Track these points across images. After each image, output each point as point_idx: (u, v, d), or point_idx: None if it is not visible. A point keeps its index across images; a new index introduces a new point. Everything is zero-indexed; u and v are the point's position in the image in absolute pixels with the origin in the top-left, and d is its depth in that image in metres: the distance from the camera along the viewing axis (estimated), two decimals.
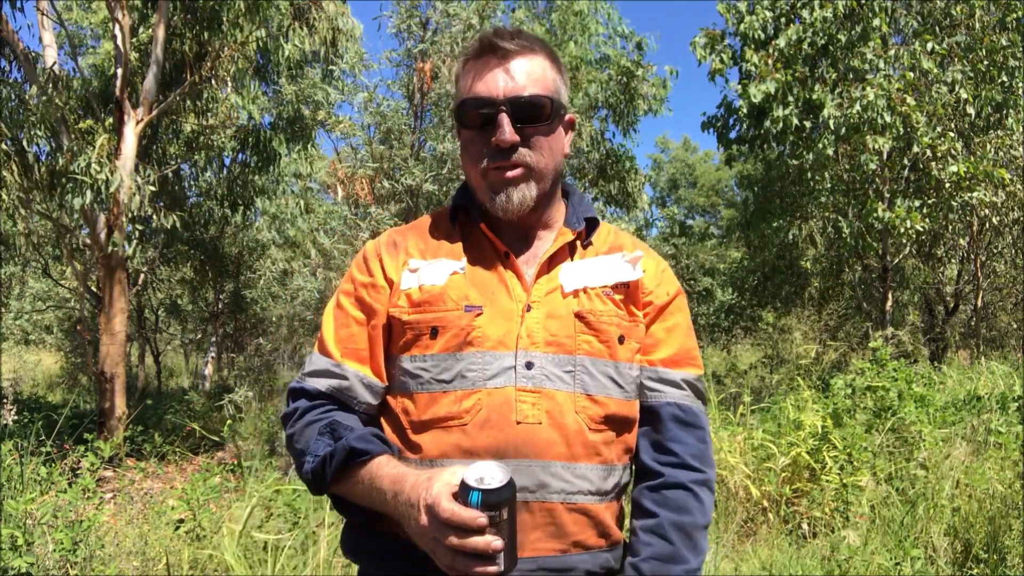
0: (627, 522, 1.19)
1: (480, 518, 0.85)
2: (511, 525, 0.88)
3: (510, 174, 1.09)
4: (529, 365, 1.07)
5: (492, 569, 0.86)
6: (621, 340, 1.13)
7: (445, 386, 1.07)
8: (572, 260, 1.17)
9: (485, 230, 1.15)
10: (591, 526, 1.08)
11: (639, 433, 1.17)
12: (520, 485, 1.00)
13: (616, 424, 1.12)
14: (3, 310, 14.46)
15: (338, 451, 1.03)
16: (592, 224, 1.20)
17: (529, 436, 1.05)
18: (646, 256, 1.21)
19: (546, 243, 1.18)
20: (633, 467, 1.20)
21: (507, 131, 1.07)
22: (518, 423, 1.05)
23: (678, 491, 1.12)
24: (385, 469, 1.01)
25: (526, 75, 1.10)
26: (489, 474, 0.87)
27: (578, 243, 1.19)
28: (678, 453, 1.14)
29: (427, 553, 0.92)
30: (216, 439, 5.24)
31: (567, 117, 1.19)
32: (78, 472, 3.99)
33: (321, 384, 1.13)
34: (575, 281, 1.14)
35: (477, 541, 0.85)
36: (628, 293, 1.17)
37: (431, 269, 1.13)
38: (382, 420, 1.15)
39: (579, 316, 1.11)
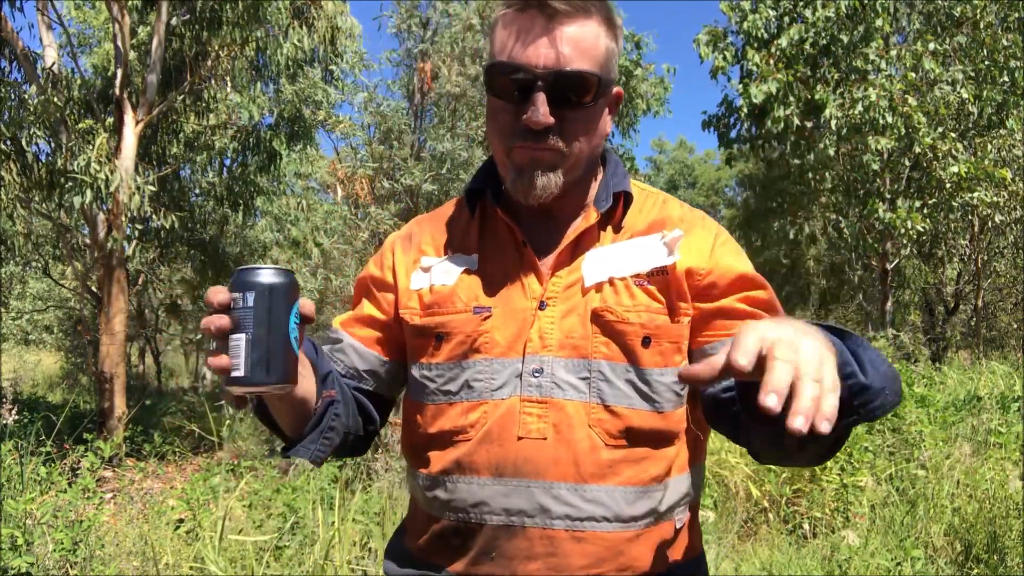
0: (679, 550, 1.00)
1: (220, 294, 0.77)
2: (262, 324, 0.76)
3: (538, 154, 0.94)
4: (537, 372, 0.95)
5: (222, 361, 0.76)
6: (646, 342, 0.95)
7: (451, 397, 0.99)
8: (600, 245, 1.01)
9: (501, 215, 1.01)
10: (606, 559, 0.93)
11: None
12: (517, 508, 0.93)
13: (645, 439, 0.96)
14: (3, 310, 14.46)
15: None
16: (627, 200, 1.03)
17: (531, 453, 0.93)
18: (695, 230, 1.01)
19: (571, 227, 1.03)
20: (693, 481, 1.02)
21: (541, 112, 0.90)
22: (519, 438, 0.94)
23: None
24: None
25: (574, 44, 0.91)
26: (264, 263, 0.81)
27: (609, 226, 1.02)
28: None
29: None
30: (216, 439, 5.26)
31: (614, 92, 1.01)
32: (78, 472, 3.99)
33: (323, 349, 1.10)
34: (599, 272, 0.98)
35: (208, 319, 0.77)
36: (668, 281, 0.98)
37: (443, 267, 1.03)
38: (402, 428, 1.11)
39: (595, 315, 0.96)
